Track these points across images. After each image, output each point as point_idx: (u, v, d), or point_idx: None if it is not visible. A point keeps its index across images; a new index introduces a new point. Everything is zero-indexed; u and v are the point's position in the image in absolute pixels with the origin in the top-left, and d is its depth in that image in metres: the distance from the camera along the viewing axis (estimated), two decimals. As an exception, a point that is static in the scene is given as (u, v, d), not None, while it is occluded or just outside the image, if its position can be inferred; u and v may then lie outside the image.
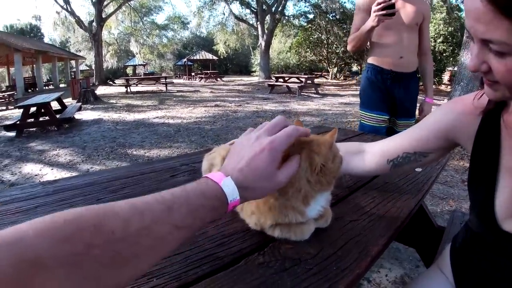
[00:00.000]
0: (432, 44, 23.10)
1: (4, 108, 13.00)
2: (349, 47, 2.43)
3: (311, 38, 31.87)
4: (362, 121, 2.50)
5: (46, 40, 45.27)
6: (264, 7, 27.71)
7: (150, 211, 0.46)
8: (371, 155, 1.01)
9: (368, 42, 2.40)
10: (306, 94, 15.87)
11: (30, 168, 4.76)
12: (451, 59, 23.28)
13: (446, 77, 24.11)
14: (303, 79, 16.67)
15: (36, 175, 4.48)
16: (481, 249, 0.85)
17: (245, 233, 0.79)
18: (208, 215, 0.53)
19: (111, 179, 1.20)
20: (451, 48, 22.86)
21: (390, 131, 2.50)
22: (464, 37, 9.00)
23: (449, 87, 20.70)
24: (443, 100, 13.43)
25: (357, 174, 1.08)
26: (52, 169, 4.74)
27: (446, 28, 22.84)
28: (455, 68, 15.53)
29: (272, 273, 0.63)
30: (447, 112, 0.90)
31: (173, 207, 0.48)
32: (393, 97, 2.47)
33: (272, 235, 0.76)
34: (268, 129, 0.65)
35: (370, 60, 2.46)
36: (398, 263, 2.23)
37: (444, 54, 23.34)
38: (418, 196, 1.09)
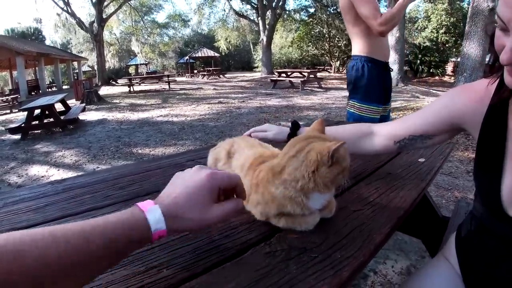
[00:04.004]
0: (435, 35, 23.01)
1: (8, 111, 13.07)
2: (386, 28, 2.14)
3: (312, 32, 31.69)
4: (358, 113, 2.42)
5: (47, 42, 45.31)
6: (264, 2, 27.57)
7: (67, 241, 0.46)
8: (379, 137, 1.06)
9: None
10: (309, 88, 15.82)
11: (36, 170, 4.81)
12: (454, 49, 23.18)
13: (449, 68, 23.96)
14: (305, 74, 16.62)
15: (42, 176, 4.53)
16: (486, 237, 0.86)
17: (251, 224, 0.81)
18: (127, 246, 0.52)
19: (118, 177, 1.23)
20: (454, 39, 22.76)
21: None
22: (467, 28, 8.91)
23: (452, 78, 20.59)
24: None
25: (365, 154, 1.15)
26: (58, 170, 4.78)
27: (448, 19, 22.72)
28: (458, 59, 15.45)
29: (279, 262, 0.65)
30: (454, 98, 0.92)
31: (89, 238, 0.47)
32: (386, 87, 2.48)
33: (278, 225, 0.78)
34: (211, 168, 0.65)
35: (365, 53, 2.36)
36: (404, 254, 2.25)
37: (446, 45, 23.22)
38: (421, 186, 1.10)
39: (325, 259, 0.66)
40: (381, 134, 1.06)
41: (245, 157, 0.91)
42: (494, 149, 0.80)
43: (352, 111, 2.42)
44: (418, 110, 1.03)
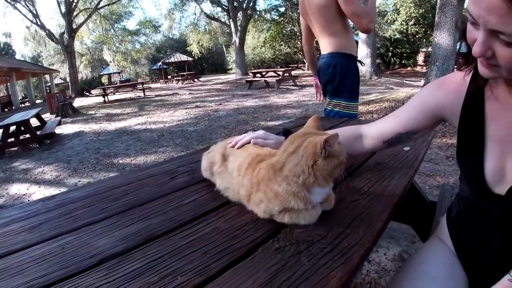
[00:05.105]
0: (405, 27, 23.52)
1: (-20, 130, 12.64)
2: (373, 25, 2.19)
3: (284, 31, 31.88)
4: (345, 111, 2.39)
5: (17, 56, 44.28)
6: (235, 4, 27.58)
7: None
8: (368, 139, 1.11)
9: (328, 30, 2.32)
10: (284, 87, 15.92)
11: (17, 189, 4.66)
12: (424, 40, 23.76)
13: (420, 58, 24.56)
14: (280, 73, 16.71)
15: (24, 194, 4.40)
16: (474, 216, 0.91)
17: (255, 223, 0.82)
18: None
19: (110, 188, 1.20)
20: (423, 29, 23.35)
21: None
22: (436, 18, 9.11)
23: (424, 67, 21.09)
24: (420, 81, 13.67)
25: (356, 155, 1.25)
26: (39, 187, 4.66)
27: (417, 11, 23.31)
28: (429, 49, 15.83)
29: (290, 256, 0.67)
30: (432, 92, 0.97)
31: None
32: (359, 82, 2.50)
33: (282, 221, 0.80)
34: None
35: (346, 50, 2.34)
36: (395, 241, 2.30)
37: (417, 36, 23.78)
38: (410, 173, 1.14)
39: (333, 249, 0.68)
40: (370, 136, 1.11)
41: (243, 157, 0.92)
42: (475, 133, 0.85)
43: (337, 109, 2.39)
44: (401, 107, 1.08)
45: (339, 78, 2.34)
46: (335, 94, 2.39)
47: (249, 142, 1.04)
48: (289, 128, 1.81)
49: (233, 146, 1.04)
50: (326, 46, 2.38)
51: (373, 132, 1.11)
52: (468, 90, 0.86)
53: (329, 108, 2.43)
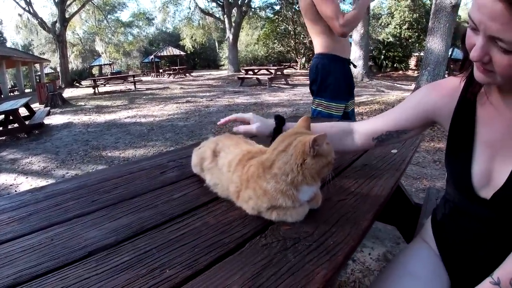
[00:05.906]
0: (398, 30, 23.73)
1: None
2: (348, 29, 2.18)
3: (278, 29, 31.86)
4: (326, 111, 2.42)
5: (8, 44, 43.37)
6: (230, 0, 27.51)
7: None
8: (358, 135, 1.13)
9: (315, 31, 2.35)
10: (276, 85, 15.93)
11: (4, 179, 4.60)
12: (417, 44, 24.02)
13: (412, 62, 24.79)
14: (272, 71, 16.72)
15: (11, 185, 4.35)
16: (459, 218, 0.94)
17: (244, 219, 0.84)
18: None
19: (101, 181, 1.20)
20: (417, 34, 23.60)
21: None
22: (430, 24, 9.18)
23: (415, 72, 21.29)
24: (411, 85, 13.80)
25: (347, 152, 1.24)
26: (26, 177, 4.60)
27: (411, 15, 23.55)
28: (421, 53, 15.98)
29: (276, 252, 0.69)
30: (426, 95, 0.99)
31: None
32: (350, 84, 2.51)
33: (270, 218, 0.82)
34: None
35: (329, 51, 2.36)
36: (380, 241, 2.34)
37: (410, 40, 24.02)
38: (396, 175, 1.17)
39: (319, 246, 0.71)
40: (360, 132, 1.13)
41: (234, 154, 0.94)
42: (465, 137, 0.88)
43: (320, 109, 2.43)
44: (394, 107, 1.10)
45: (320, 78, 2.39)
46: (317, 94, 2.45)
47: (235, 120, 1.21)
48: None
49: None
50: (314, 46, 2.45)
51: (364, 129, 1.13)
52: (461, 95, 0.89)
53: (313, 107, 2.49)
